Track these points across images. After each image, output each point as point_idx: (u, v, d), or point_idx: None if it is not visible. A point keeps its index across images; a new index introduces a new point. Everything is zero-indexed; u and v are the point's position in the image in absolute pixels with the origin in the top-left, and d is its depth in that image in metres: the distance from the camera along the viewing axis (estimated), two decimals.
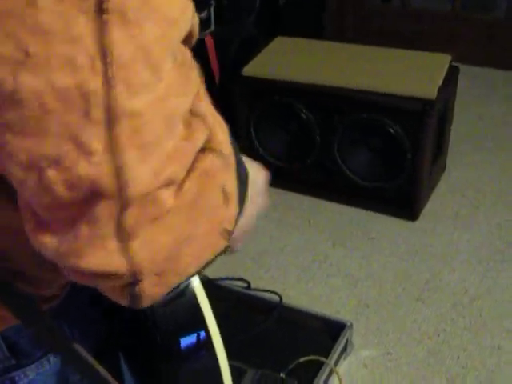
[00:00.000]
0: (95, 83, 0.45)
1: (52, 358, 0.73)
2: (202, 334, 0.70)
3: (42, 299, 0.68)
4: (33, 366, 0.71)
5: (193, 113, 0.52)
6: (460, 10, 3.59)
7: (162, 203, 0.50)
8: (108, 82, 0.45)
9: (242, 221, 0.68)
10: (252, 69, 2.54)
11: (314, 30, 3.50)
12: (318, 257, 2.33)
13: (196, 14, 0.54)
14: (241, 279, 2.16)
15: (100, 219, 0.48)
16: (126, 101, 0.46)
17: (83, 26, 0.44)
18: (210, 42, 2.62)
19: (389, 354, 1.95)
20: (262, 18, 2.99)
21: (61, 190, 0.47)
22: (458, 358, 1.93)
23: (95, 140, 0.46)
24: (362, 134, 2.42)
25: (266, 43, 2.73)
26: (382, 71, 2.46)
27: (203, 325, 0.70)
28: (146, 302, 0.55)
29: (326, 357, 1.81)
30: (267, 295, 2.05)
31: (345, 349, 1.89)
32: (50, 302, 0.70)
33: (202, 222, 0.54)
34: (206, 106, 0.55)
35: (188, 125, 0.52)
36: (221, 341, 0.71)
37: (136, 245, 0.50)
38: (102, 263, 0.50)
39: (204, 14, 2.57)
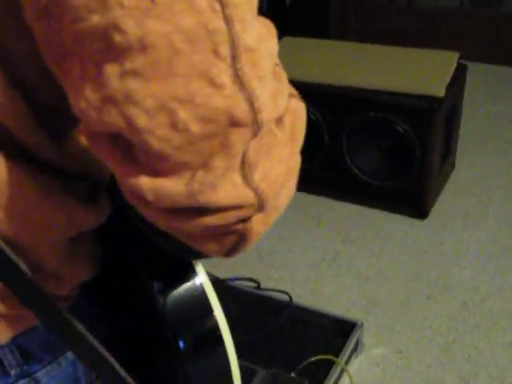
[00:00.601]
0: (218, 22, 0.48)
1: (63, 362, 0.73)
2: (213, 331, 0.70)
3: (58, 298, 0.68)
4: (43, 370, 0.71)
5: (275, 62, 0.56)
6: (467, 7, 3.58)
7: (275, 134, 0.54)
8: (228, 21, 0.48)
9: None
10: None
11: (320, 30, 3.50)
12: (328, 256, 2.33)
13: None
14: (250, 279, 2.17)
15: (235, 148, 0.51)
16: (245, 37, 0.50)
17: None
18: None
19: (400, 353, 1.95)
20: (268, 18, 2.99)
21: (195, 127, 0.49)
22: (470, 356, 1.92)
23: (224, 74, 0.49)
24: (370, 133, 2.41)
25: None
26: (390, 70, 2.46)
27: (214, 322, 0.71)
28: (250, 243, 0.58)
29: (337, 356, 1.81)
30: (277, 295, 2.05)
31: (355, 348, 1.89)
32: (66, 302, 0.70)
33: (297, 158, 0.59)
34: (277, 57, 0.59)
35: (274, 71, 0.55)
36: (230, 337, 0.71)
37: (257, 176, 0.53)
38: (234, 195, 0.52)
39: None
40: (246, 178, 0.53)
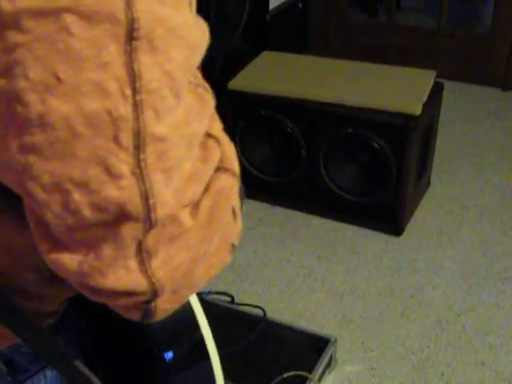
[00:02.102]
0: (125, 108, 0.46)
1: (48, 373, 0.73)
2: (197, 344, 0.70)
3: (43, 315, 0.67)
4: (29, 381, 0.71)
5: (207, 134, 0.54)
6: (445, 26, 3.62)
7: (181, 223, 0.51)
8: (137, 108, 0.46)
9: None
10: (238, 83, 2.54)
11: (300, 45, 3.52)
12: (303, 271, 2.33)
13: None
14: (225, 293, 2.15)
15: (124, 240, 0.49)
16: (154, 126, 0.47)
17: (113, 53, 0.45)
18: None
19: (373, 370, 1.94)
20: (248, 32, 3.00)
21: (87, 212, 0.48)
22: (442, 374, 1.93)
23: (123, 164, 0.47)
24: (347, 149, 2.42)
25: (252, 57, 2.73)
26: (368, 86, 2.47)
27: (199, 336, 0.70)
28: (158, 317, 0.56)
29: (310, 372, 1.80)
30: (251, 310, 2.04)
31: (329, 364, 1.88)
32: (51, 318, 0.69)
33: (215, 240, 0.56)
34: (218, 127, 0.56)
35: (203, 146, 0.53)
36: (216, 350, 0.71)
37: (155, 264, 0.51)
38: (125, 282, 0.51)
39: None
40: (143, 265, 0.51)
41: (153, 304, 0.54)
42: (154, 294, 0.52)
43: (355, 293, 2.23)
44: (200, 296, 2.14)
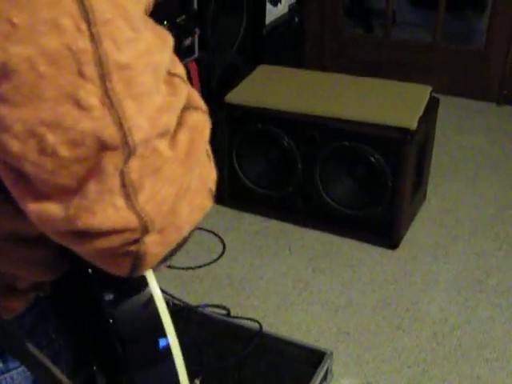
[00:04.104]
0: (83, 41, 0.47)
1: None
2: (162, 342, 0.71)
3: (16, 292, 0.68)
4: (20, 369, 0.71)
5: (171, 73, 0.55)
6: (440, 41, 3.64)
7: (161, 153, 0.52)
8: (94, 39, 0.47)
9: None
10: (235, 96, 2.55)
11: (295, 60, 3.53)
12: (298, 284, 2.33)
13: None
14: (221, 306, 2.15)
15: (107, 172, 0.50)
16: (115, 54, 0.48)
17: None
18: (193, 68, 2.64)
19: (369, 383, 1.94)
20: (244, 46, 3.02)
21: (64, 151, 0.48)
22: None
23: (92, 96, 0.48)
24: (343, 163, 2.43)
25: (249, 72, 2.75)
26: (364, 101, 2.49)
27: (163, 334, 0.71)
28: (148, 264, 0.56)
29: None
30: (247, 323, 2.04)
31: (325, 378, 1.88)
32: (24, 298, 0.70)
33: (195, 175, 0.56)
34: (182, 69, 0.57)
35: (169, 83, 0.54)
36: (179, 350, 0.71)
37: (142, 199, 0.51)
38: (114, 220, 0.51)
39: (188, 41, 2.59)
40: (130, 201, 0.51)
41: (142, 247, 0.54)
42: (145, 229, 0.52)
43: (351, 306, 2.23)
44: (195, 309, 2.14)
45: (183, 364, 0.71)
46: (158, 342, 0.70)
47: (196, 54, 2.65)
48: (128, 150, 0.49)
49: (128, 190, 0.51)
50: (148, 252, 0.55)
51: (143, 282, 0.71)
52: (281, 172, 2.56)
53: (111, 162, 0.49)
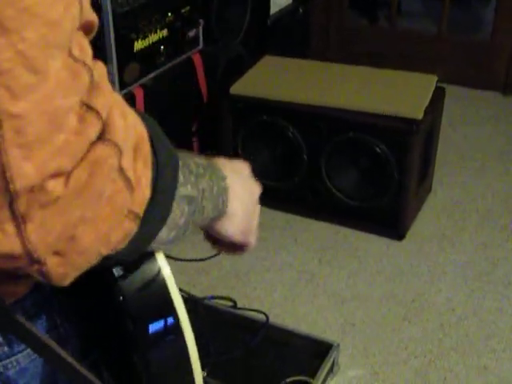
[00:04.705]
0: None
1: None
2: (171, 319, 0.72)
3: (19, 278, 0.68)
4: (25, 353, 0.72)
5: (88, 107, 0.55)
6: (446, 31, 3.62)
7: (50, 192, 0.53)
8: None
9: (230, 219, 0.78)
10: (239, 87, 2.54)
11: (300, 50, 3.52)
12: (305, 276, 2.33)
13: (88, 2, 0.57)
14: (227, 298, 2.15)
15: None
16: (8, 104, 0.49)
17: None
18: (198, 60, 2.63)
19: (375, 374, 1.94)
20: (249, 37, 3.00)
21: None
22: (445, 378, 1.92)
23: None
24: (349, 154, 2.42)
25: (253, 62, 2.74)
26: (369, 91, 2.48)
27: (173, 311, 0.72)
28: (57, 281, 0.58)
29: (313, 377, 1.79)
30: (254, 314, 2.03)
31: (331, 369, 1.88)
32: (26, 283, 0.70)
33: (97, 206, 0.58)
34: (104, 101, 0.57)
35: (81, 119, 0.54)
36: (190, 326, 0.72)
37: (29, 228, 0.54)
38: (2, 245, 0.54)
39: (193, 33, 2.59)
40: (19, 229, 0.54)
41: (44, 268, 0.56)
42: (30, 256, 0.55)
43: (357, 297, 2.23)
44: (202, 301, 2.14)
45: (193, 339, 0.72)
46: (167, 318, 0.71)
47: (200, 46, 2.64)
48: (10, 196, 0.52)
49: (18, 220, 0.53)
50: (52, 272, 0.57)
51: (152, 258, 0.72)
52: (286, 163, 2.56)
53: None
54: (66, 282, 0.59)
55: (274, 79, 2.61)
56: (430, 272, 2.33)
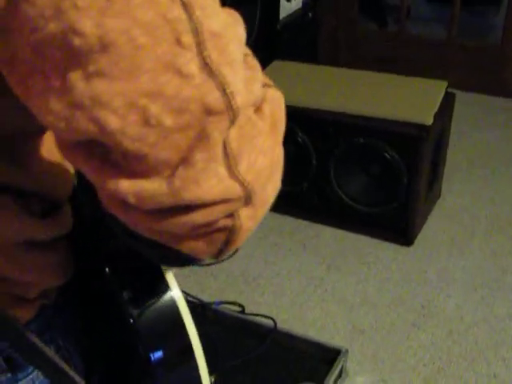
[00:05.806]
0: (177, 10, 0.47)
1: None
2: (183, 344, 0.70)
3: (19, 301, 0.68)
4: (28, 378, 0.71)
5: (244, 52, 0.55)
6: (456, 36, 3.61)
7: (254, 122, 0.52)
8: (187, 8, 0.47)
9: None
10: None
11: (310, 55, 3.52)
12: (313, 281, 2.32)
13: None
14: (235, 303, 2.15)
15: (212, 139, 0.49)
16: (208, 23, 0.48)
17: None
18: None
19: (384, 381, 1.93)
20: (258, 42, 3.00)
21: (169, 120, 0.48)
22: None
23: (191, 63, 0.48)
24: (358, 159, 2.42)
25: (263, 67, 2.73)
26: (379, 96, 2.47)
27: (185, 336, 0.70)
28: (239, 240, 0.56)
29: (321, 383, 1.79)
30: (262, 320, 2.03)
31: (340, 375, 1.87)
32: (33, 307, 0.70)
33: (279, 147, 0.57)
34: (247, 49, 0.57)
35: (245, 61, 0.54)
36: (202, 352, 0.71)
37: (243, 169, 0.51)
38: (219, 190, 0.51)
39: None
40: (231, 170, 0.51)
41: (238, 221, 0.54)
42: (248, 198, 0.53)
43: (366, 303, 2.22)
44: (211, 306, 2.14)
45: (205, 366, 0.71)
46: (179, 342, 0.70)
47: None
48: (232, 113, 0.49)
49: (229, 159, 0.51)
50: (242, 226, 0.55)
51: (162, 281, 0.70)
52: (295, 168, 2.55)
53: (217, 128, 0.49)
54: (240, 244, 0.57)
55: (284, 84, 2.59)
56: (439, 278, 2.32)
